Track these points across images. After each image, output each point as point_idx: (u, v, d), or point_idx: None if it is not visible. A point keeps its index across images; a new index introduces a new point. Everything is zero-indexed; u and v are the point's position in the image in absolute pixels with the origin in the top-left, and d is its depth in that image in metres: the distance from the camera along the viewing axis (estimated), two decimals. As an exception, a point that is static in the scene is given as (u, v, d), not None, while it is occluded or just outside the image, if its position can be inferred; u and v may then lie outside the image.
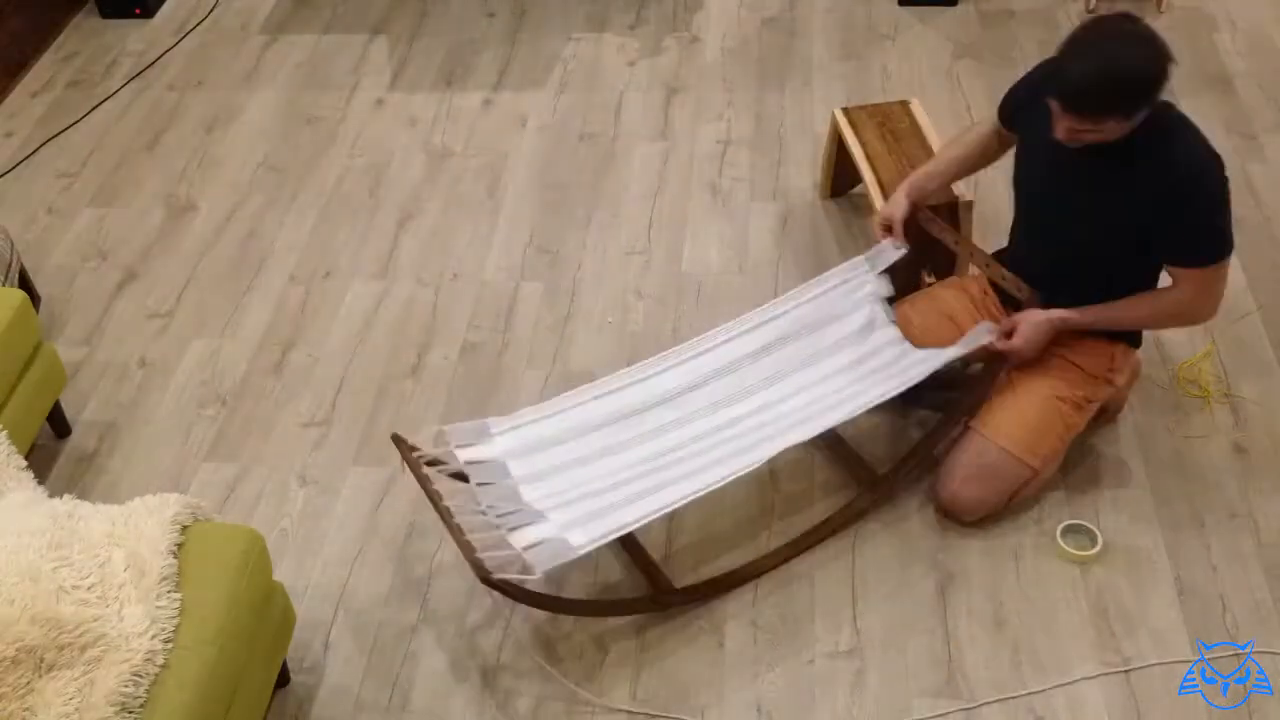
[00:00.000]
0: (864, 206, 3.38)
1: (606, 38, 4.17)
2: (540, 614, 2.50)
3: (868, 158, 3.02)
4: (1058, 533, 2.55)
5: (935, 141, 3.06)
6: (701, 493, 2.31)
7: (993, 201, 3.31)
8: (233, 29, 4.35)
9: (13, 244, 3.07)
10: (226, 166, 3.73)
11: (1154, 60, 2.16)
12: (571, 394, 2.56)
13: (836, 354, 2.62)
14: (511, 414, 2.53)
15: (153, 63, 4.20)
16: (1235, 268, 3.14)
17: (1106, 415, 2.75)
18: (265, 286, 3.30)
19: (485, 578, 2.18)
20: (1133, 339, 2.60)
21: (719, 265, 3.27)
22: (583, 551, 2.22)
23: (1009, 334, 2.49)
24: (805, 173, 3.53)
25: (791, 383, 2.59)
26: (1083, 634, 2.41)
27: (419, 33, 4.26)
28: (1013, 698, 2.32)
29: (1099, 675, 2.34)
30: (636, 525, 2.28)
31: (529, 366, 3.03)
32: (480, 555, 2.20)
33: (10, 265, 3.02)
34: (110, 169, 3.75)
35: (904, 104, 3.21)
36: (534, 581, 2.22)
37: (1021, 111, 2.52)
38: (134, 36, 4.34)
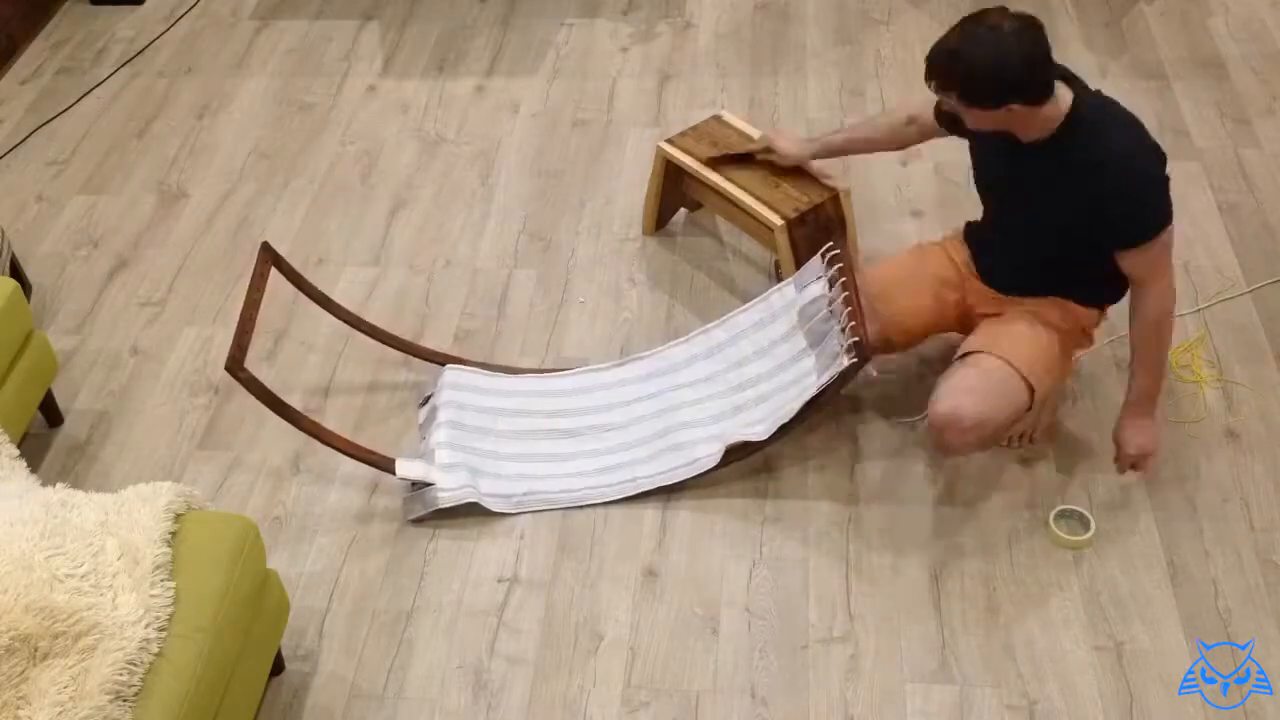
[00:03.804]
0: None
1: (599, 23, 4.16)
2: (538, 603, 2.50)
3: (728, 177, 2.99)
4: (1050, 518, 2.55)
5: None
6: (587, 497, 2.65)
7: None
8: (223, 15, 4.33)
9: (3, 232, 3.06)
10: (218, 154, 3.72)
11: (1004, 58, 2.17)
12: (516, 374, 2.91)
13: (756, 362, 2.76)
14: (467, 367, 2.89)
15: (143, 49, 4.18)
16: (1227, 251, 3.14)
17: (1028, 437, 2.72)
18: (257, 274, 3.29)
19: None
20: (1101, 301, 2.57)
21: (713, 251, 3.27)
22: (442, 501, 2.61)
23: (1132, 462, 2.51)
24: (798, 159, 3.52)
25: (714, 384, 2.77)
26: (1075, 619, 2.41)
27: (410, 18, 4.24)
28: (1006, 683, 2.33)
29: (1091, 660, 2.35)
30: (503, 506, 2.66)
31: (522, 354, 3.02)
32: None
33: (1, 253, 3.01)
34: (101, 156, 3.74)
35: (716, 118, 3.19)
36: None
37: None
38: (124, 23, 4.32)
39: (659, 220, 3.31)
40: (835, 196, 2.92)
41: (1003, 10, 2.23)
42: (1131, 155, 2.29)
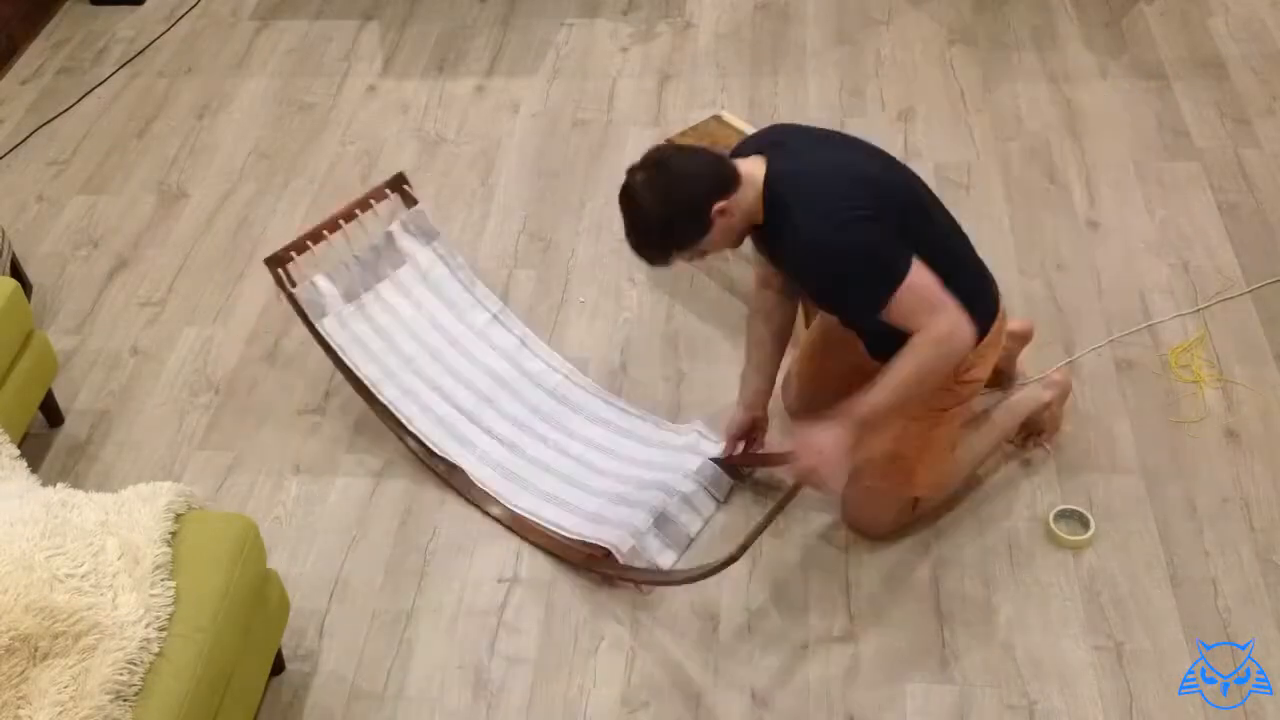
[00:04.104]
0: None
1: (599, 23, 4.16)
2: (538, 603, 2.50)
3: None
4: (1050, 518, 2.55)
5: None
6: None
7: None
8: (223, 15, 4.33)
9: (3, 232, 3.06)
10: (218, 154, 3.72)
11: (650, 218, 2.18)
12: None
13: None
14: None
15: (143, 49, 4.18)
16: (1227, 251, 3.14)
17: (1039, 437, 2.69)
18: (257, 274, 3.29)
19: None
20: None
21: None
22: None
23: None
24: (798, 158, 3.52)
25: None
26: (1075, 619, 2.41)
27: (410, 18, 4.24)
28: (1006, 683, 2.33)
29: (1091, 660, 2.35)
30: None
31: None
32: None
33: (1, 253, 3.01)
34: (101, 156, 3.74)
35: (716, 118, 3.19)
36: None
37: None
38: (124, 22, 4.32)
39: None
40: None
41: (631, 170, 2.21)
42: (819, 242, 2.14)
